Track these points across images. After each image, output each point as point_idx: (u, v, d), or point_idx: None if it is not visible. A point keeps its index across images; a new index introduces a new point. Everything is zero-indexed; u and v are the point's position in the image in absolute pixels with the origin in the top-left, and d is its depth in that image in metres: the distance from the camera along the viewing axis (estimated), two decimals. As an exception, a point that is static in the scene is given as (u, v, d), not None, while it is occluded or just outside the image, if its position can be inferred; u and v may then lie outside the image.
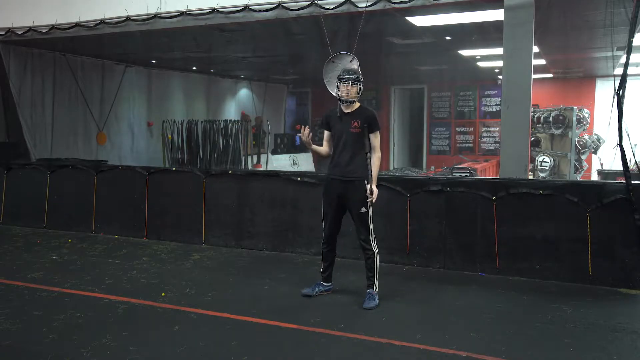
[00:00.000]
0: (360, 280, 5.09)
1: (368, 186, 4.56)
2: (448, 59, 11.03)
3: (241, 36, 8.37)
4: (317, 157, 14.47)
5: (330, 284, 4.89)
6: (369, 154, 4.64)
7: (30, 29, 8.03)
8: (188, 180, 7.01)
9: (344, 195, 4.63)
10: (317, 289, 4.82)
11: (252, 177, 6.80)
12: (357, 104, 4.69)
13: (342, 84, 4.59)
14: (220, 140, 10.61)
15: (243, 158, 10.98)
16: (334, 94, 6.19)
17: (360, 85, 4.61)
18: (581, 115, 9.53)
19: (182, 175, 7.16)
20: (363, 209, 4.57)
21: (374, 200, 4.57)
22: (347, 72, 4.64)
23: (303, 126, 4.77)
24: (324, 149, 4.85)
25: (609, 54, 9.25)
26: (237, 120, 11.43)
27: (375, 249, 4.62)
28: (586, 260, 5.15)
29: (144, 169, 7.38)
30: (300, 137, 4.76)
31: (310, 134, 4.66)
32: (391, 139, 15.36)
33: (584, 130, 9.90)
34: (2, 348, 3.72)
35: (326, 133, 4.84)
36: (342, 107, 4.67)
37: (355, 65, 6.19)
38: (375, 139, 4.62)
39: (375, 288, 4.60)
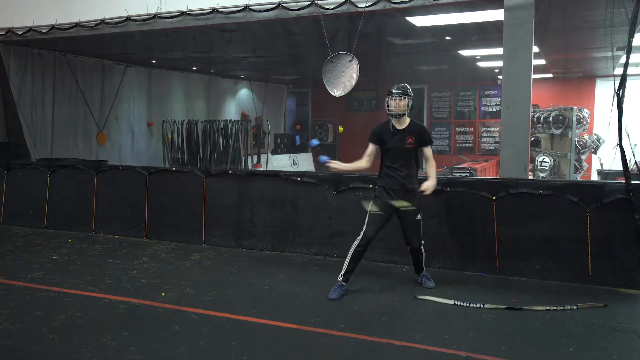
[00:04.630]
0: (360, 280, 5.10)
1: (427, 182, 4.82)
2: (448, 59, 11.03)
3: (241, 36, 8.37)
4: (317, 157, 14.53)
5: (347, 284, 4.88)
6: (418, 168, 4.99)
7: (30, 29, 8.03)
8: (188, 180, 7.01)
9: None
10: (340, 291, 4.80)
11: (252, 177, 6.80)
12: (408, 120, 4.89)
13: (391, 99, 4.79)
14: (220, 140, 10.61)
15: (243, 158, 10.98)
16: (335, 95, 6.19)
17: (409, 99, 4.80)
18: (581, 115, 9.54)
19: (182, 175, 7.16)
20: (419, 217, 4.94)
21: (427, 192, 4.81)
22: (395, 87, 4.84)
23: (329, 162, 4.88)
24: (363, 164, 4.94)
25: (609, 54, 9.25)
26: (237, 120, 11.43)
27: (423, 251, 5.08)
28: (586, 260, 5.15)
29: (144, 169, 7.38)
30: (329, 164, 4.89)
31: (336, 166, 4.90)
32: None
33: (584, 130, 9.90)
34: (2, 348, 3.72)
35: (372, 147, 4.94)
36: (395, 123, 4.85)
37: (355, 65, 6.19)
38: (430, 151, 4.98)
39: (425, 269, 5.16)
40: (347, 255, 4.84)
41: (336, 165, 4.91)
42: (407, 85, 4.86)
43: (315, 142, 5.35)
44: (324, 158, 4.94)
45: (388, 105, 4.80)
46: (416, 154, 4.90)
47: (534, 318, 4.26)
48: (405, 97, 4.76)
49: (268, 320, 4.22)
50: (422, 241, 5.02)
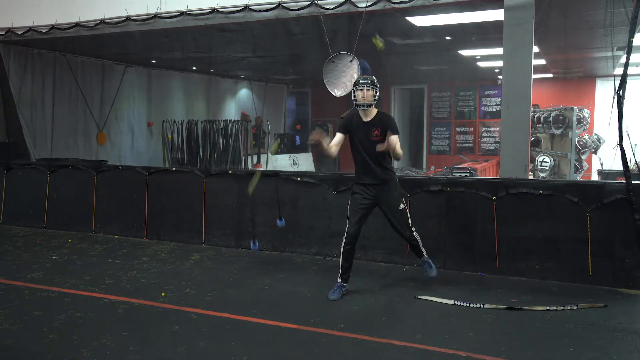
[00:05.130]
0: (360, 280, 5.10)
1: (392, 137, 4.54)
2: (448, 59, 11.03)
3: (241, 36, 8.37)
4: (317, 157, 14.55)
5: (347, 284, 4.86)
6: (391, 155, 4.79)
7: (30, 29, 8.03)
8: (188, 180, 7.01)
9: (379, 197, 4.78)
10: (340, 291, 4.79)
11: (252, 177, 6.78)
12: (375, 111, 4.80)
13: (358, 89, 4.71)
14: (220, 140, 10.62)
15: (243, 158, 10.98)
16: (335, 94, 6.17)
17: (376, 89, 4.73)
18: (581, 115, 9.54)
19: (182, 175, 7.16)
20: (401, 206, 4.82)
21: (386, 146, 4.49)
22: (362, 77, 4.79)
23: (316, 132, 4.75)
24: (333, 151, 4.84)
25: (609, 54, 9.25)
26: (237, 120, 11.44)
27: (417, 236, 4.97)
28: (586, 260, 5.14)
29: (144, 169, 7.38)
30: (311, 140, 4.71)
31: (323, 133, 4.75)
32: (391, 138, 15.34)
33: (584, 130, 9.90)
34: (2, 348, 3.72)
35: (339, 137, 4.87)
36: (362, 115, 4.78)
37: (356, 65, 6.18)
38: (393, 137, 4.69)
39: (425, 254, 5.07)
40: (340, 256, 4.84)
41: (315, 136, 4.66)
42: (374, 77, 4.79)
43: (280, 222, 5.65)
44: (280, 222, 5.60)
45: (355, 96, 4.73)
46: None
47: (534, 318, 4.26)
48: (372, 88, 4.69)
49: (268, 320, 4.22)
50: (413, 228, 4.91)
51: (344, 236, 4.77)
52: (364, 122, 4.77)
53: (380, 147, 4.55)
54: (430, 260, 5.08)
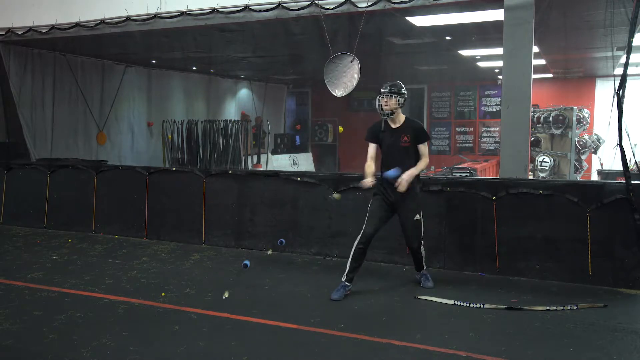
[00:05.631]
0: (360, 280, 5.09)
1: (403, 175, 4.66)
2: (448, 59, 11.03)
3: (241, 36, 8.37)
4: (317, 157, 14.55)
5: (351, 284, 4.85)
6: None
7: (30, 29, 8.03)
8: (188, 180, 7.01)
9: (398, 203, 4.80)
10: (343, 291, 4.78)
11: (252, 177, 6.80)
12: (403, 117, 4.86)
13: (381, 98, 4.77)
14: (220, 140, 10.61)
15: (243, 158, 10.98)
16: (336, 95, 6.19)
17: (398, 97, 4.77)
18: (581, 115, 9.54)
19: (182, 175, 7.16)
20: (417, 217, 4.85)
21: (399, 187, 4.64)
22: (385, 85, 4.82)
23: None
24: (372, 167, 4.90)
25: (609, 54, 9.25)
26: (237, 120, 11.43)
27: (423, 251, 5.02)
28: (586, 260, 5.15)
29: (144, 169, 7.38)
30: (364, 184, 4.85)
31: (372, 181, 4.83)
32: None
33: (584, 130, 9.90)
34: (2, 348, 3.72)
35: (372, 146, 4.94)
36: (389, 122, 4.85)
37: (357, 65, 6.19)
38: (425, 148, 4.85)
39: (425, 268, 5.11)
40: (350, 255, 4.82)
41: (368, 182, 4.81)
42: (400, 83, 4.83)
43: (246, 263, 5.48)
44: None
45: (379, 105, 4.78)
46: (414, 152, 4.84)
47: (534, 318, 4.26)
48: (394, 96, 4.74)
49: (268, 320, 4.22)
50: (422, 241, 4.97)
51: (359, 235, 4.77)
52: (393, 128, 4.84)
53: (402, 189, 4.64)
54: (428, 274, 5.11)
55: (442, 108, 15.17)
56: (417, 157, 4.85)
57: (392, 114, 4.77)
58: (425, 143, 4.86)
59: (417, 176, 4.87)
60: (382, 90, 4.77)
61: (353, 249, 4.79)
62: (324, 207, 6.25)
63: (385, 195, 4.82)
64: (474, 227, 5.59)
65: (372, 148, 4.95)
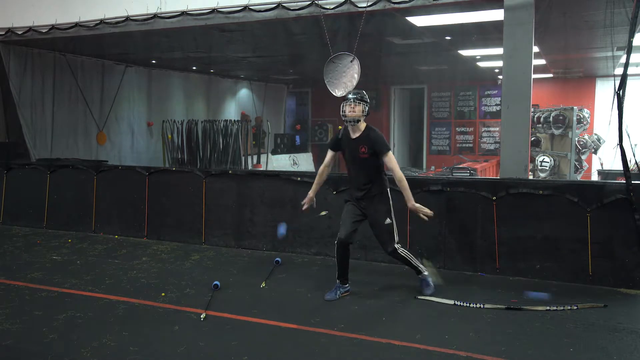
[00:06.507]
0: (359, 280, 5.10)
1: (410, 206, 4.65)
2: (448, 59, 11.03)
3: (241, 36, 8.37)
4: (317, 157, 14.54)
5: (348, 285, 4.86)
6: (385, 173, 4.79)
7: (30, 29, 8.03)
8: (188, 180, 7.01)
9: (368, 209, 4.75)
10: (338, 292, 4.78)
11: (252, 177, 6.79)
12: (363, 126, 4.73)
13: (346, 104, 4.69)
14: (220, 140, 10.61)
15: (243, 158, 10.98)
16: (336, 95, 6.19)
17: (364, 105, 4.69)
18: (581, 115, 9.54)
19: (182, 175, 7.16)
20: (388, 221, 4.72)
21: (427, 213, 4.63)
22: (351, 92, 4.77)
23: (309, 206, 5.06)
24: (323, 177, 5.02)
25: (609, 54, 9.26)
26: (237, 120, 11.43)
27: (404, 252, 4.82)
28: (586, 260, 5.14)
29: (144, 169, 7.38)
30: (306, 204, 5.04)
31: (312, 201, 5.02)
32: (391, 139, 15.37)
33: (584, 130, 9.90)
34: (2, 348, 3.72)
35: (329, 155, 4.94)
36: (350, 131, 4.75)
37: (356, 65, 6.19)
38: (389, 161, 4.63)
39: (424, 271, 4.88)
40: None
41: (306, 203, 5.00)
42: (364, 92, 4.78)
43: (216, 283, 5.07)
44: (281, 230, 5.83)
45: (343, 111, 4.69)
46: (375, 163, 4.67)
47: (534, 318, 4.26)
48: (360, 103, 4.64)
49: (268, 320, 4.22)
50: (398, 245, 4.76)
51: (336, 240, 4.79)
52: (352, 138, 4.72)
53: (421, 216, 4.64)
54: (429, 280, 4.89)
55: (442, 108, 15.17)
56: (379, 169, 4.71)
57: (357, 121, 4.65)
58: (388, 154, 4.61)
59: (385, 180, 4.78)
60: (349, 97, 4.68)
61: (335, 254, 4.82)
62: (324, 207, 6.24)
63: (355, 202, 4.79)
64: (474, 227, 5.58)
65: (328, 155, 4.96)
